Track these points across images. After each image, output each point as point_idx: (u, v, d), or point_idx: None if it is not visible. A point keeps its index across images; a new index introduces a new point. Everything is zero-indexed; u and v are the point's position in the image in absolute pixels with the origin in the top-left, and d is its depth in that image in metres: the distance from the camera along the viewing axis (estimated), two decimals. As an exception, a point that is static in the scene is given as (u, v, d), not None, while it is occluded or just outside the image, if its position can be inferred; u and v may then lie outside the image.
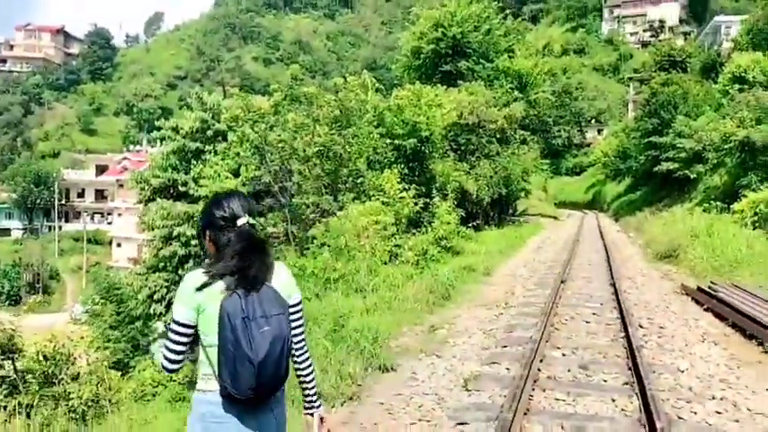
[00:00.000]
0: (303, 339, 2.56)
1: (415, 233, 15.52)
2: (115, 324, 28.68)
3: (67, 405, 12.95)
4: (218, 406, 2.33)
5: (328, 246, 13.96)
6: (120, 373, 25.85)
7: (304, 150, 18.14)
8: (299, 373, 2.58)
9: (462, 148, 22.12)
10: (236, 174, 23.51)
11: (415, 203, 15.63)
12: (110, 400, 19.54)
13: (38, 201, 67.46)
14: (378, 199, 15.14)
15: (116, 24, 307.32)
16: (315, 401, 2.66)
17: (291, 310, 2.45)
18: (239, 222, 2.41)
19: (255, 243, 2.42)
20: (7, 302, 54.96)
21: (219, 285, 2.31)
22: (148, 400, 20.47)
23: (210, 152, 25.09)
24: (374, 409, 5.29)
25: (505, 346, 7.33)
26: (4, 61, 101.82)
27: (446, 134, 20.08)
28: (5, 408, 7.04)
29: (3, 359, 7.14)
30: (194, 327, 2.36)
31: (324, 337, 7.54)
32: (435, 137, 18.03)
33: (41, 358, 13.12)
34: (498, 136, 26.47)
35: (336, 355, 6.52)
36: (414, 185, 16.23)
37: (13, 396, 8.40)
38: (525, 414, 4.92)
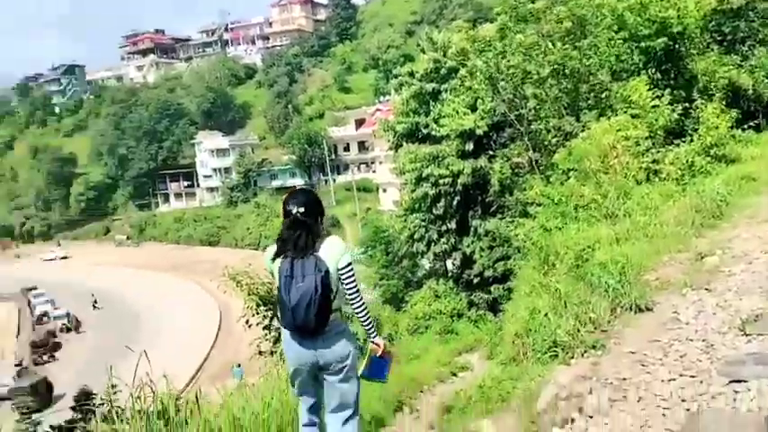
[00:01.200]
0: (354, 291, 3.61)
1: (679, 144, 13.48)
2: (386, 263, 31.15)
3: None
4: (286, 333, 3.64)
5: (574, 170, 12.94)
6: (394, 309, 28.22)
7: (537, 72, 16.96)
8: (356, 314, 3.71)
9: (728, 37, 18.49)
10: (473, 108, 23.21)
11: (672, 110, 13.53)
12: (390, 334, 21.39)
13: (312, 158, 75.83)
14: (625, 112, 13.44)
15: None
16: (371, 334, 3.83)
17: (341, 272, 3.55)
18: (293, 212, 3.55)
19: (300, 225, 3.53)
20: (301, 250, 63.41)
21: (280, 253, 3.54)
22: (422, 333, 21.95)
23: (446, 91, 25.09)
24: (622, 360, 4.58)
25: (800, 274, 5.87)
26: (267, 38, 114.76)
27: (704, 25, 16.93)
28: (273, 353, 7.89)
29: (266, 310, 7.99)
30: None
31: (564, 274, 6.89)
32: (691, 30, 15.26)
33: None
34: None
35: (577, 296, 5.86)
36: (668, 91, 14.03)
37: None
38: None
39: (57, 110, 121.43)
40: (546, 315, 5.53)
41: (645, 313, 5.50)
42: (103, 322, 49.05)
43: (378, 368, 3.99)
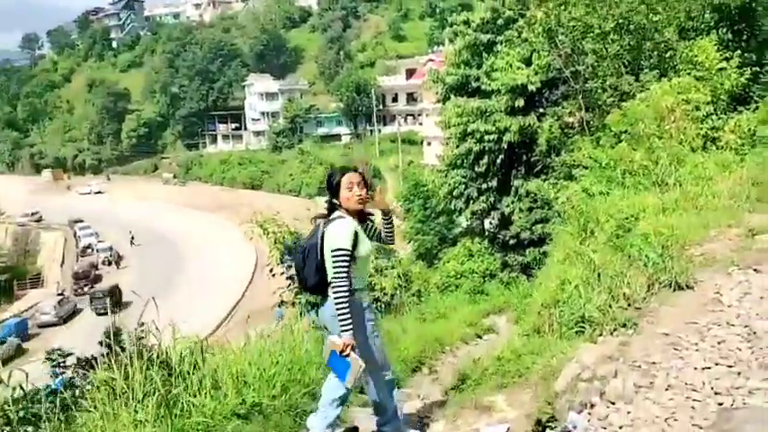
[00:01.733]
0: (332, 276, 3.79)
1: (743, 111, 12.51)
2: (423, 218, 30.79)
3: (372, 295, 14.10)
4: None
5: (627, 133, 12.18)
6: (426, 265, 27.99)
7: (599, 26, 15.93)
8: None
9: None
10: (527, 62, 22.19)
11: (740, 75, 12.50)
12: (419, 291, 21.21)
13: (360, 108, 75.07)
14: (689, 74, 12.49)
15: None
16: (339, 327, 3.82)
17: (329, 255, 3.84)
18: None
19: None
20: (341, 200, 63.56)
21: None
22: (452, 291, 21.67)
23: (502, 43, 24.03)
24: (654, 341, 4.14)
25: None
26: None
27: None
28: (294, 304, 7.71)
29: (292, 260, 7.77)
30: None
31: (603, 244, 6.41)
32: (772, -13, 14.04)
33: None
34: None
35: (613, 268, 5.40)
36: (738, 53, 12.95)
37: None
38: None
39: (114, 45, 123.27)
40: (576, 287, 5.10)
41: (685, 291, 5.01)
42: (144, 259, 50.49)
43: (337, 366, 3.82)
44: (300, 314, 9.02)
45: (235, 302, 38.34)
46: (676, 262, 5.37)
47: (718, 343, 3.94)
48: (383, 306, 13.65)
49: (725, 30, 14.07)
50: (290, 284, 7.87)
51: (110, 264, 50.46)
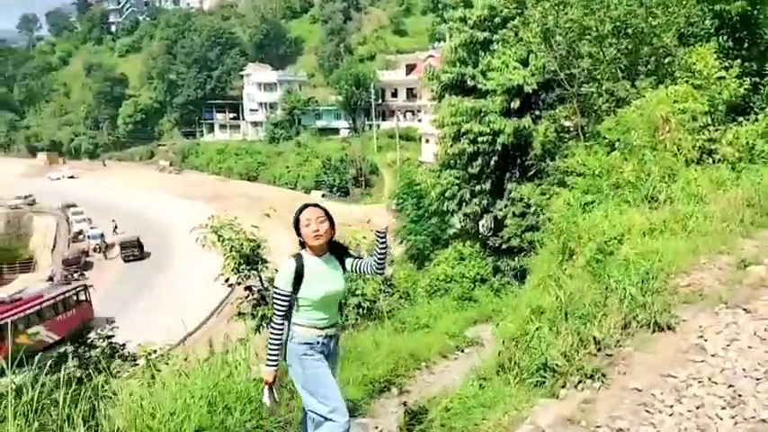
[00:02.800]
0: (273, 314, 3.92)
1: (742, 122, 11.97)
2: (416, 218, 30.26)
3: (354, 300, 13.52)
4: None
5: (619, 141, 11.66)
6: (416, 267, 27.50)
7: (596, 28, 15.38)
8: None
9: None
10: (524, 63, 21.62)
11: (740, 84, 11.96)
12: (408, 293, 20.65)
13: (359, 101, 74.33)
14: (687, 82, 11.95)
15: None
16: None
17: None
18: None
19: None
20: (338, 194, 63.07)
21: None
22: (440, 296, 21.16)
23: (498, 41, 23.44)
24: (623, 399, 3.61)
25: None
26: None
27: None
28: (254, 316, 7.21)
29: (249, 269, 7.28)
30: None
31: (581, 268, 5.89)
32: (774, -6, 13.49)
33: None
34: None
35: (588, 300, 4.87)
36: (738, 62, 12.41)
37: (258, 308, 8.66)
38: None
39: (113, 29, 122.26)
40: (539, 327, 4.57)
41: (665, 333, 4.48)
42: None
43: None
44: (258, 328, 8.58)
45: (220, 300, 37.55)
46: (657, 297, 4.85)
47: (697, 407, 3.42)
48: (365, 311, 13.14)
49: (725, 37, 13.51)
50: (248, 295, 7.36)
51: (101, 250, 49.77)
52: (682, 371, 3.88)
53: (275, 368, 3.82)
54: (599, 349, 4.16)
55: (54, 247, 53.48)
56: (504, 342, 5.08)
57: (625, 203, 8.36)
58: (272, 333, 3.82)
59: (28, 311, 30.63)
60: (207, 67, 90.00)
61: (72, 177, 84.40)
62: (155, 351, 7.54)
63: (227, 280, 7.78)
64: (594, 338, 4.19)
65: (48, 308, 31.79)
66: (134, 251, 47.73)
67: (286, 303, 3.80)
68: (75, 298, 33.86)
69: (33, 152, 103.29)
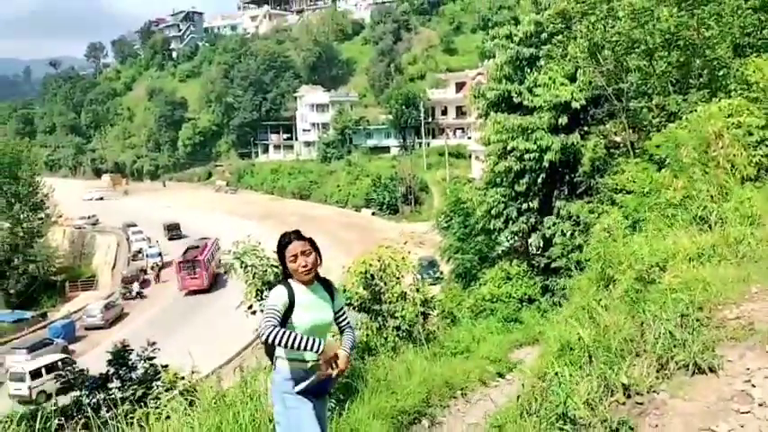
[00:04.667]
0: None
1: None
2: (462, 236, 29.76)
3: (393, 322, 13.25)
4: None
5: (668, 158, 11.09)
6: (462, 286, 26.98)
7: (645, 41, 14.82)
8: None
9: None
10: (571, 78, 21.07)
11: (802, 96, 11.21)
12: (452, 313, 20.19)
13: (409, 120, 74.58)
14: (742, 95, 11.29)
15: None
16: None
17: None
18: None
19: None
20: (388, 212, 63.12)
21: None
22: (486, 317, 20.59)
23: (544, 57, 22.97)
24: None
25: None
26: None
27: None
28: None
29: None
30: None
31: (619, 298, 5.48)
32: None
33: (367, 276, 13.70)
34: None
35: (622, 336, 4.47)
36: (801, 72, 11.66)
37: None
38: None
39: (174, 55, 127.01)
40: (569, 360, 4.21)
41: (706, 376, 4.02)
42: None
43: None
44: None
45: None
46: (699, 334, 4.40)
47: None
48: (404, 334, 12.85)
49: (785, 46, 12.78)
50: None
51: (160, 269, 50.94)
52: (724, 423, 3.46)
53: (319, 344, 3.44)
54: (628, 396, 3.76)
55: (114, 265, 55.33)
56: (523, 385, 4.72)
57: (672, 225, 7.85)
58: (272, 334, 3.38)
59: (210, 253, 46.27)
60: (262, 90, 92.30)
61: (101, 199, 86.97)
62: (182, 378, 7.44)
63: (249, 307, 7.68)
64: (626, 379, 3.80)
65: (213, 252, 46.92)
66: (178, 232, 56.61)
67: (279, 318, 3.49)
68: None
69: (98, 174, 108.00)
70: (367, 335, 11.91)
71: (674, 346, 4.28)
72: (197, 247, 48.20)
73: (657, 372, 4.03)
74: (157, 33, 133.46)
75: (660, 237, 7.07)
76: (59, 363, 26.36)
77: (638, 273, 5.85)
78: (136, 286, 45.53)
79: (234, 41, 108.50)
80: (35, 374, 27.78)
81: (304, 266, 3.63)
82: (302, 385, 3.58)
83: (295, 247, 3.66)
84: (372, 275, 14.19)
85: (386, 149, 78.08)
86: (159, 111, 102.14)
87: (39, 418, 4.94)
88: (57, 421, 4.40)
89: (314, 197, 74.61)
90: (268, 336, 3.38)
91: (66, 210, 65.95)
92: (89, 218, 70.66)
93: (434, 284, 30.93)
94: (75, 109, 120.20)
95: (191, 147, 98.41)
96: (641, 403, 3.71)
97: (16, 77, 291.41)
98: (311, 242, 3.73)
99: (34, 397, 26.16)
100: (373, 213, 64.30)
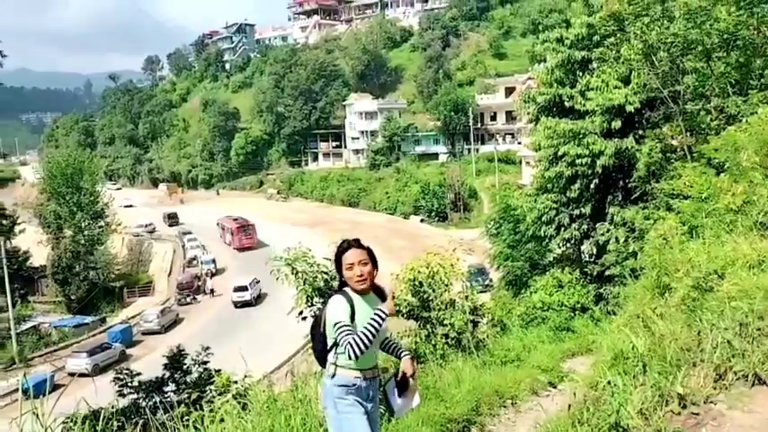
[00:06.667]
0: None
1: None
2: (513, 243, 29.38)
3: (442, 330, 13.19)
4: None
5: (727, 162, 10.72)
6: (512, 293, 26.62)
7: (702, 42, 14.39)
8: None
9: None
10: (625, 81, 20.61)
11: None
12: (502, 321, 19.94)
13: (457, 126, 74.37)
14: (806, 95, 10.84)
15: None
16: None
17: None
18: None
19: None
20: (437, 219, 62.93)
21: None
22: (536, 325, 20.23)
23: (596, 60, 22.54)
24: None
25: None
26: (426, 0, 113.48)
27: None
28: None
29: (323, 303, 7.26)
30: None
31: (676, 307, 5.34)
32: None
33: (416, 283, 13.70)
34: None
35: (677, 345, 4.36)
36: None
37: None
38: None
39: (227, 66, 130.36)
40: (623, 370, 4.13)
41: (767, 387, 3.91)
42: (244, 272, 51.80)
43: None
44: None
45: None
46: (759, 343, 4.25)
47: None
48: (453, 342, 12.79)
49: None
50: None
51: (213, 275, 52.17)
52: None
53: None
54: (683, 406, 3.66)
55: (170, 272, 57.02)
56: (575, 394, 4.64)
57: (731, 232, 7.59)
58: (360, 342, 3.44)
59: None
60: (312, 99, 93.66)
61: (130, 206, 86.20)
62: (235, 382, 7.61)
63: (300, 312, 7.81)
64: (678, 394, 3.69)
65: None
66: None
67: (352, 330, 3.51)
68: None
69: (155, 183, 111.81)
70: (416, 342, 11.93)
71: (733, 356, 4.15)
72: (245, 219, 64.21)
73: (715, 382, 3.91)
74: (211, 46, 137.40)
75: (719, 243, 6.84)
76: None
77: (696, 280, 5.67)
78: (201, 294, 47.00)
79: (284, 52, 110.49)
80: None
81: (359, 276, 3.63)
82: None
83: (353, 255, 3.66)
84: (421, 282, 14.20)
85: (434, 156, 77.95)
86: (213, 121, 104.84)
87: (101, 419, 5.16)
88: (116, 423, 4.61)
89: (363, 204, 75.06)
90: (355, 351, 3.43)
91: (123, 218, 68.51)
92: (146, 226, 72.97)
93: (484, 292, 30.68)
94: (133, 120, 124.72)
95: (243, 156, 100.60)
96: (697, 414, 3.61)
97: (77, 91, 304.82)
98: (369, 252, 3.73)
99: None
100: (422, 220, 64.22)
